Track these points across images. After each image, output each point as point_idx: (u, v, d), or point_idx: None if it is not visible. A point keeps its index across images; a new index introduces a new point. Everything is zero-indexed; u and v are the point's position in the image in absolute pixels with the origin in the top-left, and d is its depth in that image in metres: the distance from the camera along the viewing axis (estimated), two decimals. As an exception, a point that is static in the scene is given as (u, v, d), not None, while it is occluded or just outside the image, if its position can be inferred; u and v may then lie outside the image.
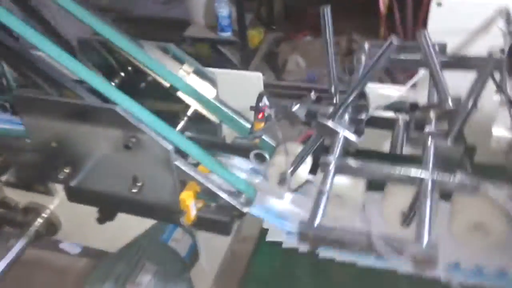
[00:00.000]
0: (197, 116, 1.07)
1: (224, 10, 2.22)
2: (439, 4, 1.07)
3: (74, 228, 1.12)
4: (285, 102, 1.02)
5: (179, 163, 0.89)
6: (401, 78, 1.78)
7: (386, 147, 1.12)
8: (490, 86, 0.89)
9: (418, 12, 1.86)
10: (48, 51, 0.80)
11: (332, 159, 0.83)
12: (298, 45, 2.49)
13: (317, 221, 0.75)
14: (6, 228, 1.06)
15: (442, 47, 0.99)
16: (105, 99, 0.86)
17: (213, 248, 1.32)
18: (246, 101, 1.04)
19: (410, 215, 0.87)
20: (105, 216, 0.99)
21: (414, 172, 0.80)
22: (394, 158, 0.89)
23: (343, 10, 2.67)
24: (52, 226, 1.09)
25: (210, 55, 2.38)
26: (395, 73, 1.93)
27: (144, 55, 0.98)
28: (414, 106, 0.94)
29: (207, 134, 1.09)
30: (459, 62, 0.96)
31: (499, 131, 0.85)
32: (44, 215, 1.06)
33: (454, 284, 0.73)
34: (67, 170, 0.89)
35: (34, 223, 1.04)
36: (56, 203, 1.06)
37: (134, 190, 0.91)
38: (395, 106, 1.03)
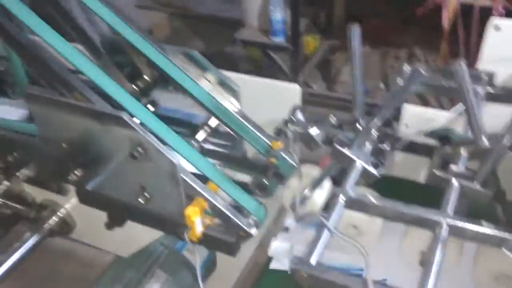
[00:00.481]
0: (219, 128, 1.04)
1: (278, 14, 2.17)
2: (497, 28, 0.97)
3: (88, 229, 1.13)
4: (321, 116, 0.97)
5: (186, 177, 0.86)
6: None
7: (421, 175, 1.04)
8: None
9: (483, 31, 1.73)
10: (58, 48, 0.79)
11: (342, 191, 0.77)
12: (354, 55, 2.40)
13: (313, 259, 0.69)
14: (22, 223, 1.09)
15: (489, 77, 0.90)
16: (117, 105, 0.85)
17: (234, 258, 1.29)
18: (281, 113, 1.00)
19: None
20: (114, 221, 0.99)
21: (430, 215, 0.73)
22: (428, 190, 0.81)
23: (407, 23, 2.56)
24: (66, 225, 1.10)
25: (261, 59, 2.35)
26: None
27: (166, 60, 0.95)
28: (445, 140, 0.85)
29: (228, 147, 1.05)
30: (505, 95, 0.87)
31: None
32: (59, 214, 1.07)
33: None
34: (78, 173, 0.89)
35: (49, 221, 1.05)
36: (72, 203, 1.06)
37: (140, 200, 0.90)
38: (438, 133, 0.95)
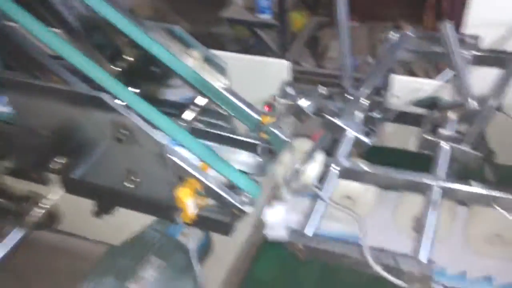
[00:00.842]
0: (208, 106, 1.01)
1: (264, -10, 2.12)
2: (481, -7, 0.95)
3: (77, 220, 1.10)
4: (310, 89, 0.94)
5: (174, 158, 0.83)
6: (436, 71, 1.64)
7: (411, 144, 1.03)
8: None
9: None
10: (34, 31, 0.76)
11: (335, 161, 0.76)
12: (342, 30, 2.36)
13: (309, 230, 0.67)
14: (7, 218, 1.05)
15: (473, 40, 0.88)
16: (98, 86, 0.82)
17: (230, 240, 1.27)
18: (271, 90, 0.97)
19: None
20: (102, 209, 0.96)
21: (422, 178, 0.72)
22: (419, 157, 0.80)
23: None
24: (53, 217, 1.07)
25: (248, 38, 2.30)
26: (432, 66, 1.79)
27: (147, 38, 0.91)
28: (433, 105, 0.84)
29: (217, 126, 1.03)
30: (490, 58, 0.85)
31: None
32: (44, 205, 1.04)
33: None
34: (61, 161, 0.86)
35: (33, 214, 1.02)
36: (58, 193, 1.03)
37: (128, 184, 0.87)
38: (426, 102, 0.94)
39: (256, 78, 1.13)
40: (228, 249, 1.25)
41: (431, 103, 0.93)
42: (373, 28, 2.42)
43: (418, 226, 0.80)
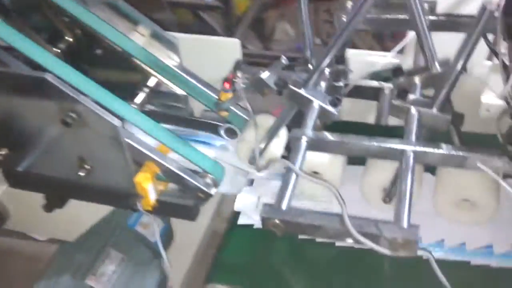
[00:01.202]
0: (160, 87, 0.95)
1: (205, -27, 2.07)
2: (433, -45, 0.94)
3: (25, 217, 1.01)
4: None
5: (130, 140, 0.77)
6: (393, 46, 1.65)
7: (372, 119, 1.02)
8: (481, 49, 0.78)
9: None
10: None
11: (303, 133, 0.73)
12: (287, 11, 2.33)
13: (284, 204, 0.64)
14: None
15: (432, 5, 0.87)
16: (40, 67, 0.74)
17: (192, 228, 1.23)
18: (223, 71, 0.92)
19: (392, 190, 0.78)
20: (53, 203, 0.89)
21: (395, 144, 0.71)
22: (378, 130, 0.79)
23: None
24: (-3, 215, 0.99)
25: (192, 22, 2.24)
26: (386, 40, 1.81)
27: (89, 14, 0.84)
28: (398, 72, 0.82)
29: (172, 108, 0.97)
30: (449, 22, 0.84)
31: (489, 99, 0.75)
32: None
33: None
34: (2, 152, 0.78)
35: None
36: (1, 188, 0.95)
37: (81, 173, 0.80)
38: (382, 75, 0.93)
39: (207, 59, 1.07)
40: (191, 237, 1.21)
41: (388, 75, 0.92)
42: (317, 8, 2.41)
43: (389, 196, 0.79)
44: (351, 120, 1.05)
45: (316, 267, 0.85)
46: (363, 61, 0.99)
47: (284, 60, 0.77)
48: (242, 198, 0.84)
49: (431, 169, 0.83)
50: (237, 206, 0.85)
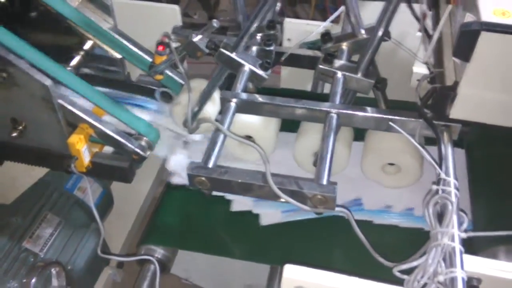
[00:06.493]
0: (96, 51, 0.95)
1: None
2: None
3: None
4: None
5: (63, 102, 0.78)
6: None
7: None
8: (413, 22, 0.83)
9: None
10: None
11: (233, 95, 0.75)
12: (233, -18, 2.34)
13: (210, 163, 0.67)
14: None
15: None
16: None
17: (133, 193, 1.24)
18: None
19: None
20: (-13, 164, 0.88)
21: (319, 106, 0.74)
22: (316, 98, 0.81)
23: None
24: None
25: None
26: (328, 12, 1.84)
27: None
28: (326, 38, 0.86)
29: (108, 72, 0.97)
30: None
31: (419, 69, 0.80)
32: None
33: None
34: None
35: None
36: None
37: (14, 134, 0.80)
38: (319, 44, 0.96)
39: (146, 25, 1.07)
40: (131, 203, 1.22)
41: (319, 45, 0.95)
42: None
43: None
44: (290, 88, 1.08)
45: (247, 228, 0.89)
46: (301, 30, 1.02)
47: (215, 23, 0.78)
48: (174, 158, 0.86)
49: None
50: (169, 166, 0.87)
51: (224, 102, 0.75)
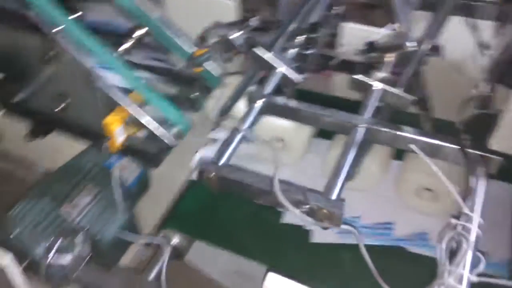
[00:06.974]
0: (145, 39, 0.98)
1: None
2: None
3: (13, 142, 1.08)
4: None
5: (102, 84, 0.82)
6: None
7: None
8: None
9: None
10: None
11: (259, 95, 0.75)
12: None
13: (222, 160, 0.67)
14: None
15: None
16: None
17: (170, 179, 1.27)
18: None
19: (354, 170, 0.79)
20: (35, 133, 0.94)
21: (347, 118, 0.71)
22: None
23: None
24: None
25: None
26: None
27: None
28: (370, 47, 0.82)
29: (154, 59, 1.00)
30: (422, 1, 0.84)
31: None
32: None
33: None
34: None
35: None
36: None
37: (59, 108, 0.86)
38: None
39: (200, 18, 1.09)
40: (166, 189, 1.25)
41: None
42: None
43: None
44: (343, 97, 1.04)
45: (266, 230, 0.87)
46: (357, 36, 0.99)
47: (255, 21, 0.78)
48: (200, 154, 0.87)
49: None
50: (193, 162, 0.88)
51: (250, 101, 0.75)
